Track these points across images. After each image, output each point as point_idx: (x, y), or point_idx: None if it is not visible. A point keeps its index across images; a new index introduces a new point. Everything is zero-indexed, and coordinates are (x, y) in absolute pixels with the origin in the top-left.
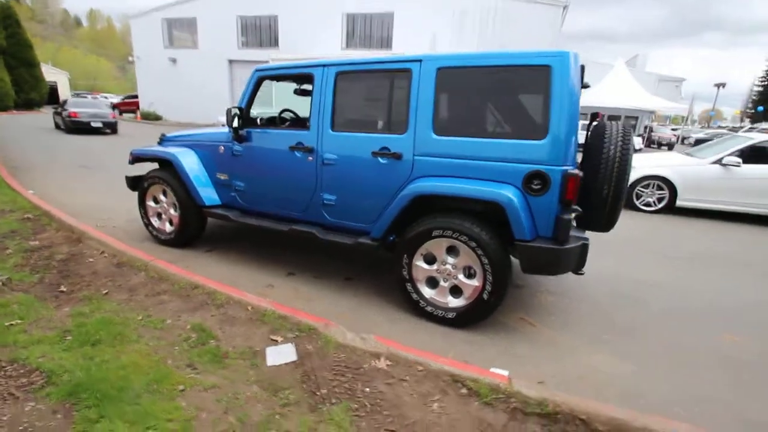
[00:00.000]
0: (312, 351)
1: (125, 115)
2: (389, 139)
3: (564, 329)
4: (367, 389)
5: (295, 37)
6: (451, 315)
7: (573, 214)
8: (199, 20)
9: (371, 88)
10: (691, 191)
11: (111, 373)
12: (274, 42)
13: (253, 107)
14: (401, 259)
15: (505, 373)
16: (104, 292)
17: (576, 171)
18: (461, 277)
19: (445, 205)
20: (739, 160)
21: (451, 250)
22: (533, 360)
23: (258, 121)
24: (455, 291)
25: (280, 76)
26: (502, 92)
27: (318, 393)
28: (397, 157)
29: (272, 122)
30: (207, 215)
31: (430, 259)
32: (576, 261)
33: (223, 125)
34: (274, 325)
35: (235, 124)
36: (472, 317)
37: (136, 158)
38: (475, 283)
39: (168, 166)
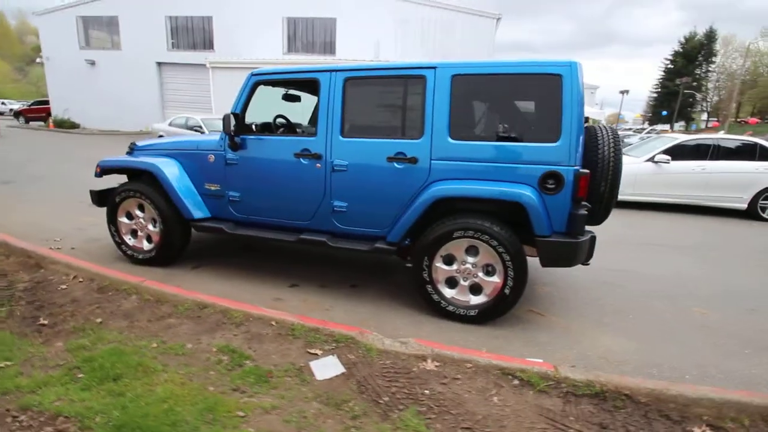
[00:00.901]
0: (356, 360)
1: (33, 124)
2: (405, 145)
3: (569, 316)
4: (426, 391)
5: (233, 40)
6: (473, 312)
7: (585, 210)
8: (122, 19)
9: (383, 94)
10: (629, 186)
11: (152, 408)
12: (208, 44)
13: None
14: (421, 262)
15: (539, 360)
16: (98, 320)
17: (586, 170)
18: (481, 275)
19: (461, 207)
20: (669, 157)
21: (470, 250)
22: (556, 346)
23: (253, 127)
24: (475, 289)
25: (277, 81)
26: (515, 98)
27: (381, 401)
28: (414, 161)
29: (267, 129)
30: (196, 229)
31: (449, 260)
32: (587, 252)
33: (160, 135)
34: (307, 338)
35: (231, 130)
36: (494, 313)
37: (105, 170)
38: (496, 279)
39: (142, 177)
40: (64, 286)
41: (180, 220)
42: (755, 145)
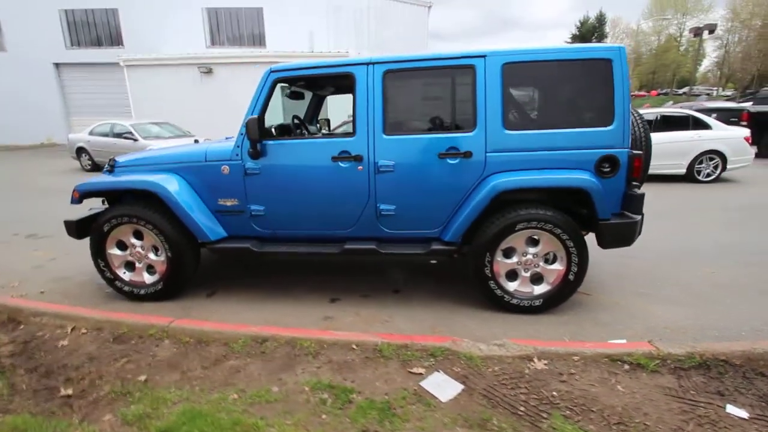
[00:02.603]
0: (465, 372)
1: None
2: (457, 139)
3: (611, 292)
4: (554, 393)
5: (145, 34)
6: (538, 302)
7: (637, 189)
8: (3, 16)
9: (428, 87)
10: None
11: None
12: (116, 40)
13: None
14: (483, 258)
15: (623, 341)
16: (140, 378)
17: (639, 151)
18: (543, 264)
19: (514, 198)
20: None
21: (529, 240)
22: (622, 324)
23: (273, 131)
24: (536, 279)
25: (301, 77)
26: (567, 84)
27: (519, 412)
28: (468, 155)
29: (286, 132)
30: (213, 252)
31: (508, 253)
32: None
33: (80, 148)
34: (399, 357)
35: (258, 136)
36: (558, 300)
37: (86, 194)
38: (558, 267)
39: (135, 199)
40: (64, 342)
41: (191, 244)
42: (689, 116)
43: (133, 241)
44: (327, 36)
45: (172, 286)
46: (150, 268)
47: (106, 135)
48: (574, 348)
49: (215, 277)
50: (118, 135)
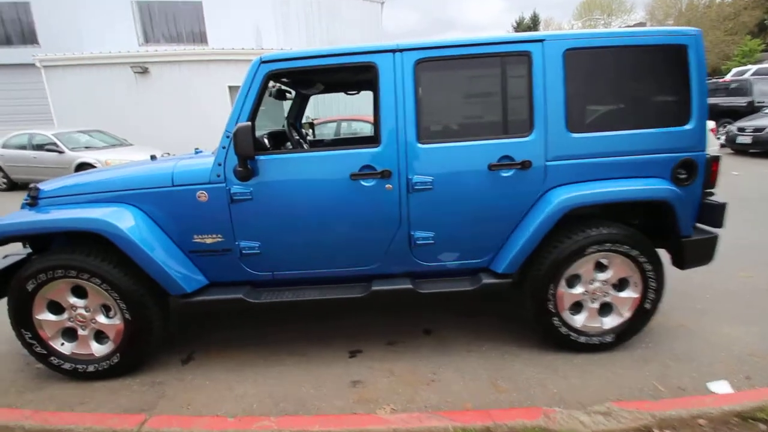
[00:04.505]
0: None
1: None
2: (511, 146)
3: (667, 310)
4: None
5: (65, 31)
6: (609, 338)
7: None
8: None
9: (471, 80)
10: None
11: None
12: (29, 38)
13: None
14: (545, 290)
15: (726, 383)
16: None
17: (718, 154)
18: (613, 292)
19: (576, 214)
20: None
21: (598, 265)
22: (701, 354)
23: (266, 142)
24: (605, 310)
25: (302, 70)
26: (638, 76)
27: None
28: (526, 166)
29: (281, 142)
30: (189, 308)
31: (571, 282)
32: None
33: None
34: None
35: (251, 150)
36: (631, 333)
37: (3, 239)
38: (632, 294)
39: (67, 242)
40: None
41: (157, 299)
42: None
43: (73, 300)
44: (276, 32)
45: (133, 358)
46: (100, 335)
47: (23, 147)
48: (696, 408)
49: (189, 333)
50: (39, 147)
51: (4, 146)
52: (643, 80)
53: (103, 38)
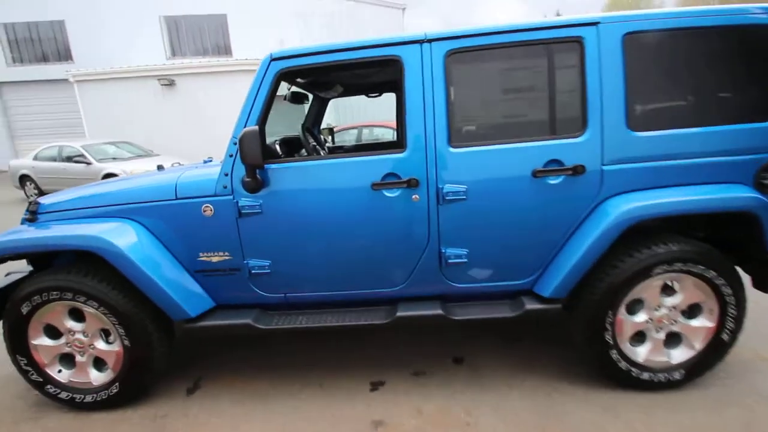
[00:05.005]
0: None
1: None
2: (560, 148)
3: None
4: None
5: (98, 47)
6: (677, 375)
7: None
8: None
9: (512, 73)
10: None
11: None
12: (64, 55)
13: None
14: (603, 318)
15: None
16: None
17: None
18: (683, 320)
19: (643, 228)
20: None
21: (664, 287)
22: None
23: (277, 149)
24: (672, 341)
25: (316, 67)
26: (714, 62)
27: None
28: (578, 171)
29: (295, 149)
30: (193, 333)
31: (632, 308)
32: None
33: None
34: None
35: (260, 159)
36: (704, 368)
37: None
38: (707, 323)
39: (66, 261)
40: None
41: (159, 324)
42: None
43: (70, 324)
44: (300, 42)
45: (134, 389)
46: (99, 362)
47: (53, 159)
48: None
49: (195, 358)
50: (68, 159)
51: (36, 158)
52: (719, 68)
53: (132, 53)
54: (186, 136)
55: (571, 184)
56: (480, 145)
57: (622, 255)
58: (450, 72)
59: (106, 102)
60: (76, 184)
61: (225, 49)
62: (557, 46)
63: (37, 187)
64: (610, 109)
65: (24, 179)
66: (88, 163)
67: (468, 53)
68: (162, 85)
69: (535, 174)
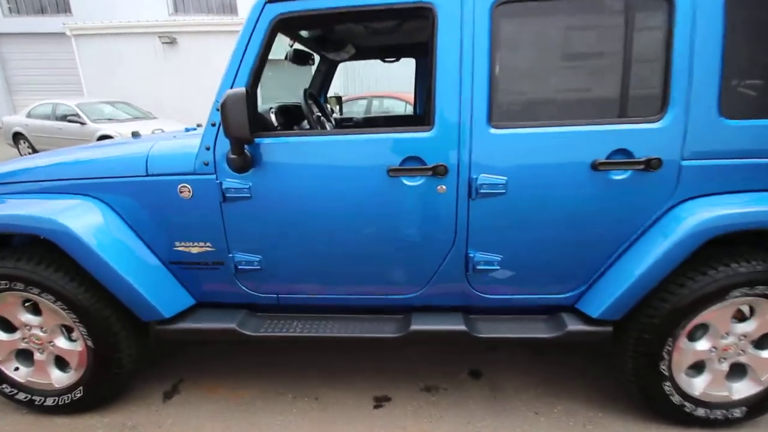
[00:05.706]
0: None
1: None
2: (630, 134)
3: None
4: None
5: (97, 0)
6: (737, 412)
7: None
8: None
9: (577, 33)
10: None
11: None
12: (62, 6)
13: None
14: (661, 345)
15: None
16: None
17: None
18: (752, 350)
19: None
20: None
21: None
22: None
23: (273, 119)
24: (735, 373)
25: (324, 14)
26: None
27: None
28: (653, 166)
29: (295, 120)
30: (166, 336)
31: (695, 334)
32: None
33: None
34: None
35: (248, 131)
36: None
37: None
38: None
39: (21, 244)
40: None
41: (129, 322)
42: None
43: (26, 317)
44: None
45: (101, 393)
46: (61, 362)
47: (47, 117)
48: None
49: (177, 354)
50: (62, 117)
51: (29, 116)
52: None
53: (133, 7)
54: (187, 99)
55: (640, 181)
56: (528, 127)
57: (692, 272)
58: (497, 29)
59: (104, 59)
60: (70, 145)
61: (230, 8)
62: (638, 4)
63: (31, 146)
64: (700, 89)
65: (18, 137)
66: (83, 123)
67: (523, 3)
68: (163, 43)
69: (596, 166)
